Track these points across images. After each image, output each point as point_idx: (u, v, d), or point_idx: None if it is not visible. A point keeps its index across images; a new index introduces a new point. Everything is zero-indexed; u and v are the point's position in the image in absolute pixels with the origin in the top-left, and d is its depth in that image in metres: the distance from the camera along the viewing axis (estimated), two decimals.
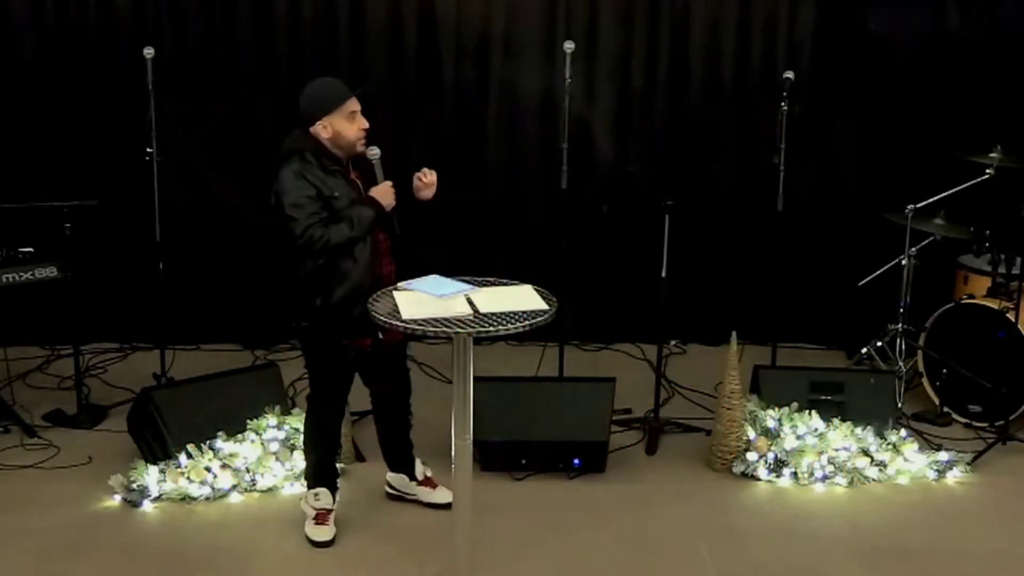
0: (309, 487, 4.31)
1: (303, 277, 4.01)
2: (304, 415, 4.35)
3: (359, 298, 3.92)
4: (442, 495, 4.43)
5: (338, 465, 4.72)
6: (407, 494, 4.52)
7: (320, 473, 4.29)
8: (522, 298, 3.70)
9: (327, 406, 4.23)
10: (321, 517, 4.23)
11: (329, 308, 4.00)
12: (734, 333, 4.86)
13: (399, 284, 3.84)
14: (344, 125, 4.02)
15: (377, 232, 4.06)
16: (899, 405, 5.37)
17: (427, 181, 4.17)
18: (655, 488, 4.73)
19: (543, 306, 3.64)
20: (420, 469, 4.54)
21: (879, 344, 5.83)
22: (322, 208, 3.94)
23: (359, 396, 5.20)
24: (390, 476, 4.55)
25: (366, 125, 4.07)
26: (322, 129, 4.02)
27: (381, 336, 4.07)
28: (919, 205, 5.53)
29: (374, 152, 4.09)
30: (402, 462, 4.51)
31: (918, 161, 5.99)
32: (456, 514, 3.76)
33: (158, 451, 4.63)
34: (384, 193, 4.05)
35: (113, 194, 5.81)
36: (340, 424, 4.35)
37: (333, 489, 4.31)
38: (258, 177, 6.12)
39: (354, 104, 4.05)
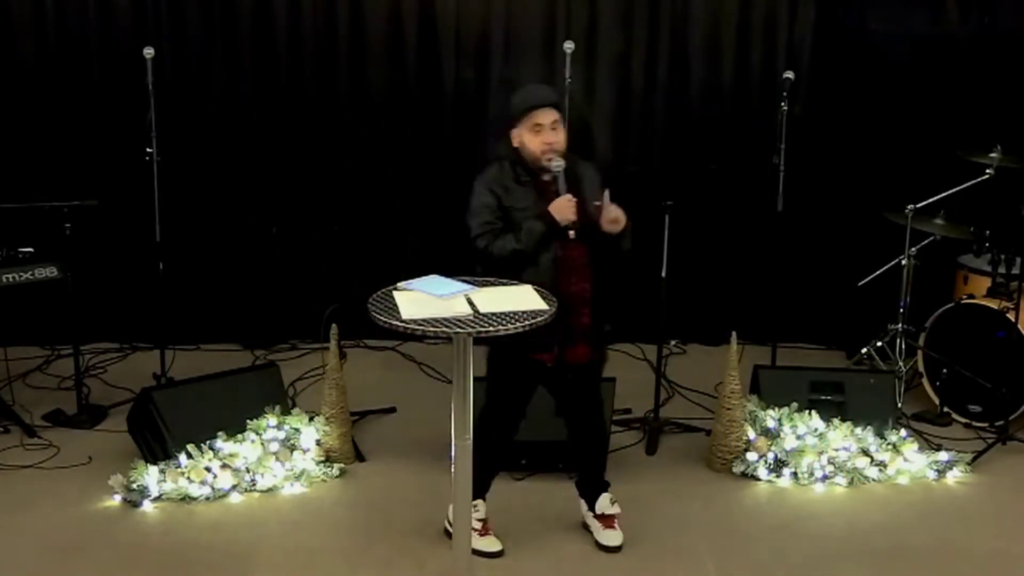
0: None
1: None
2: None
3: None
4: (610, 537, 4.23)
5: (338, 466, 4.72)
6: (583, 522, 4.36)
7: (479, 483, 4.09)
8: (522, 298, 3.69)
9: (496, 419, 4.13)
10: (484, 528, 4.17)
11: None
12: (734, 333, 4.86)
13: (399, 284, 3.83)
14: (527, 137, 3.97)
15: (571, 248, 3.94)
16: (899, 405, 5.37)
17: (611, 217, 3.93)
18: (655, 488, 4.73)
19: (543, 306, 3.63)
20: (603, 503, 4.29)
21: (879, 344, 5.83)
22: (500, 219, 3.94)
23: (361, 395, 5.22)
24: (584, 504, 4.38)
25: (552, 139, 3.95)
26: (514, 138, 4.01)
27: (560, 353, 3.99)
28: (919, 205, 5.53)
29: (558, 164, 3.95)
30: (585, 487, 4.36)
31: (918, 161, 5.98)
32: (456, 514, 3.76)
33: (158, 451, 4.63)
34: (560, 207, 3.91)
35: (113, 194, 5.82)
36: (506, 440, 4.22)
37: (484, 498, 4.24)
38: (258, 177, 6.17)
39: (541, 116, 3.95)
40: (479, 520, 4.17)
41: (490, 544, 4.18)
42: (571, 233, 3.91)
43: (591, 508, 4.32)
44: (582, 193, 4.00)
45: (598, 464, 4.39)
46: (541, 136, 3.96)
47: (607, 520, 4.27)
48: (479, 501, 4.19)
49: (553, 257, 3.96)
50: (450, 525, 4.21)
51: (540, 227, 3.92)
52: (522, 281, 3.83)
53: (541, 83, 6.03)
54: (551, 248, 3.95)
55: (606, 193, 3.96)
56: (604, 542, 4.23)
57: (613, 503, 4.28)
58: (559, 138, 3.98)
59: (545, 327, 3.57)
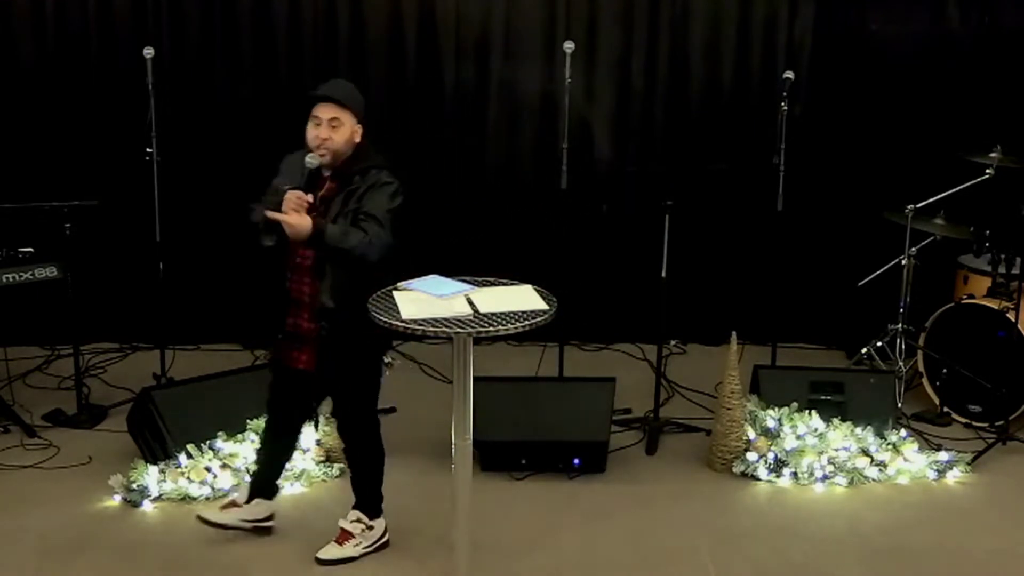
0: (372, 514, 4.17)
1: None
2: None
3: (279, 308, 3.96)
4: (325, 549, 4.14)
5: (338, 466, 4.71)
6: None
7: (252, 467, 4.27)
8: (522, 298, 3.70)
9: (266, 409, 4.22)
10: (226, 505, 4.24)
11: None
12: (734, 333, 4.86)
13: (399, 284, 3.83)
14: (308, 127, 3.91)
15: (299, 248, 3.87)
16: (899, 405, 5.37)
17: (273, 215, 3.79)
18: (655, 488, 4.73)
19: (543, 306, 3.64)
20: (349, 516, 4.20)
21: (879, 344, 5.83)
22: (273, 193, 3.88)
23: None
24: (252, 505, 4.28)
25: (324, 136, 3.85)
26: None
27: (277, 352, 4.03)
28: (919, 205, 5.53)
29: (310, 161, 3.88)
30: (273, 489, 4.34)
31: (918, 161, 5.98)
32: (456, 514, 3.76)
33: (158, 451, 4.63)
34: (285, 199, 3.78)
35: (113, 194, 5.81)
36: (273, 433, 4.22)
37: (256, 491, 4.27)
38: (258, 177, 6.16)
39: (319, 110, 3.87)
40: (374, 541, 4.18)
41: (210, 513, 4.21)
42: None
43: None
44: (340, 197, 3.87)
45: (357, 476, 4.19)
46: (316, 130, 3.89)
47: (341, 534, 4.16)
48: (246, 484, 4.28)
49: (289, 249, 3.92)
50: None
51: (263, 211, 3.81)
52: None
53: (538, 83, 6.14)
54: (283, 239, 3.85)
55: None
56: (319, 552, 4.12)
57: (356, 521, 4.16)
58: (334, 136, 3.86)
59: (281, 318, 3.83)
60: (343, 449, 4.26)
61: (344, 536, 4.15)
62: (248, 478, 4.37)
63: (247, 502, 4.26)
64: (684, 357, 6.25)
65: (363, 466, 4.19)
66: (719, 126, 6.17)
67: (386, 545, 4.21)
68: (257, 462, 4.33)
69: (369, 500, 4.20)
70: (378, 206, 3.84)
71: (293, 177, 3.90)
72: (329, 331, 3.88)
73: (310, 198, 3.81)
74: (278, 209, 3.76)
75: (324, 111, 3.87)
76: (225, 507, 4.26)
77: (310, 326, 3.92)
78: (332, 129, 3.86)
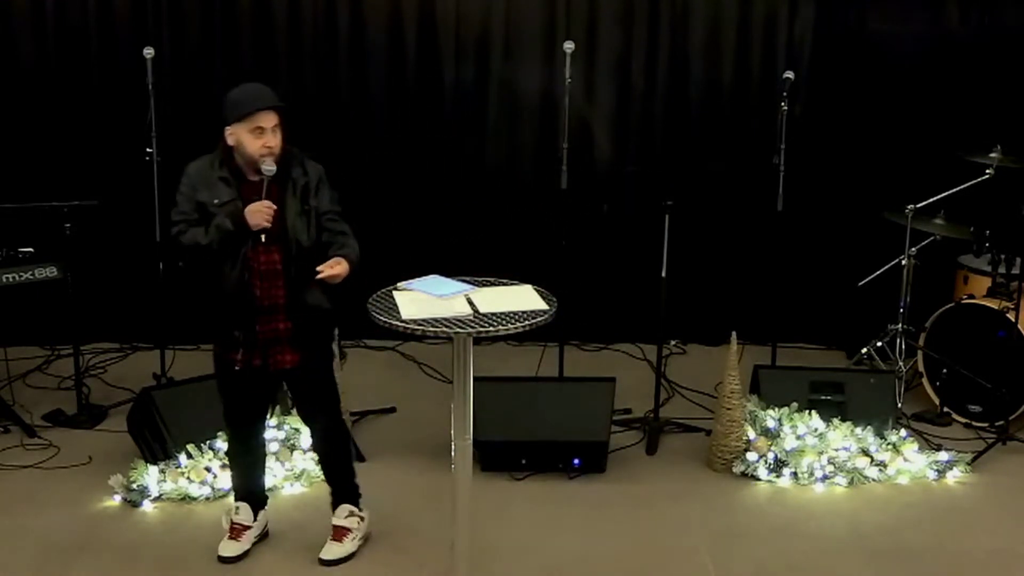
0: (359, 503, 4.23)
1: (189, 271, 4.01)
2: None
3: (226, 312, 3.90)
4: (329, 549, 4.16)
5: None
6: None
7: (236, 487, 4.24)
8: (522, 298, 3.70)
9: (225, 417, 4.15)
10: (235, 532, 4.17)
11: (208, 313, 3.97)
12: (734, 333, 4.86)
13: (399, 284, 3.83)
14: (247, 139, 3.84)
15: (264, 253, 3.85)
16: (899, 405, 5.37)
17: (328, 275, 3.83)
18: (655, 488, 4.73)
19: (543, 306, 3.63)
20: (339, 513, 4.23)
21: (879, 344, 5.83)
22: (196, 210, 3.86)
23: (361, 395, 5.22)
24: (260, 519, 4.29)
25: (272, 143, 3.83)
26: (228, 136, 3.89)
27: (253, 359, 3.92)
28: (919, 205, 5.53)
29: (268, 168, 3.84)
30: (332, 491, 4.26)
31: (918, 161, 5.98)
32: (456, 514, 3.76)
33: (158, 451, 4.63)
34: (254, 212, 3.79)
35: (113, 194, 5.82)
36: (251, 442, 4.20)
37: (254, 505, 4.23)
38: None
39: (263, 119, 3.82)
40: (236, 523, 4.17)
41: (229, 548, 4.14)
42: (262, 237, 3.82)
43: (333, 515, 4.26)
44: (291, 197, 3.89)
45: (338, 470, 4.24)
46: (262, 139, 3.82)
47: (337, 531, 4.18)
48: (242, 504, 4.21)
49: (245, 260, 3.86)
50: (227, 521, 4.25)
51: (228, 225, 3.80)
52: (218, 278, 3.86)
53: (538, 83, 6.15)
54: (242, 250, 3.84)
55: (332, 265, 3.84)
56: (321, 554, 4.13)
57: (350, 516, 4.19)
58: (277, 141, 3.87)
59: (233, 329, 3.81)
60: (319, 446, 4.25)
61: (342, 533, 4.16)
62: (235, 501, 4.25)
63: (255, 520, 4.23)
64: (684, 357, 6.25)
65: (343, 456, 4.25)
66: (719, 126, 6.17)
67: (369, 535, 4.24)
68: (240, 477, 4.24)
69: (353, 490, 4.24)
70: (332, 200, 3.98)
71: (216, 188, 3.87)
72: (313, 325, 3.95)
73: (274, 206, 3.82)
74: (238, 220, 3.79)
75: (268, 120, 3.83)
76: (235, 535, 4.17)
77: (287, 326, 3.92)
78: (274, 135, 3.86)
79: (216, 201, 3.85)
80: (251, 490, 4.25)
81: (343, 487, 4.23)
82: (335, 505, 4.23)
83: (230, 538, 4.17)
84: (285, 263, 3.88)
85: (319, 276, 3.80)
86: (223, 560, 4.11)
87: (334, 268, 3.80)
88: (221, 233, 3.81)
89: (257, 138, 3.83)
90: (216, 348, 4.02)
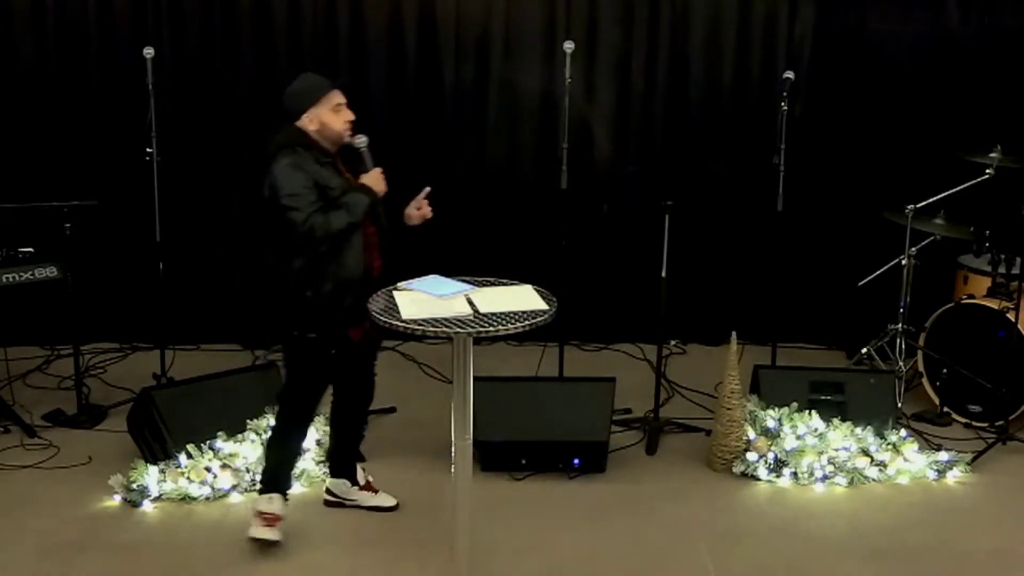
0: (263, 491, 4.22)
1: (294, 272, 3.97)
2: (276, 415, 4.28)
3: (350, 289, 3.95)
4: (385, 499, 4.46)
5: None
6: (348, 500, 4.47)
7: (280, 477, 4.25)
8: (522, 298, 3.70)
9: (303, 408, 4.18)
10: (269, 521, 4.16)
11: (320, 300, 3.96)
12: (734, 333, 4.86)
13: (399, 284, 3.84)
14: (330, 117, 4.03)
15: (367, 224, 4.05)
16: (899, 405, 5.37)
17: (422, 213, 4.21)
18: (655, 488, 4.73)
19: (543, 306, 3.64)
20: (361, 474, 4.52)
21: (879, 344, 5.83)
22: (320, 198, 3.93)
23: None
24: (331, 483, 4.50)
25: (351, 117, 4.07)
26: (308, 122, 4.03)
27: (372, 330, 4.02)
28: (919, 205, 5.53)
29: (362, 140, 4.09)
30: (348, 467, 4.48)
31: (918, 161, 5.99)
32: (456, 514, 3.76)
33: (158, 451, 4.63)
34: (375, 180, 4.05)
35: (113, 194, 5.82)
36: (308, 430, 4.33)
37: (285, 497, 4.25)
38: (258, 177, 6.16)
39: (338, 96, 4.06)
40: (267, 513, 4.16)
41: (267, 533, 4.17)
42: (378, 208, 4.06)
43: (354, 483, 4.46)
44: (368, 166, 4.11)
45: (359, 440, 4.54)
46: (342, 115, 4.06)
47: (371, 486, 4.49)
48: (276, 495, 4.20)
49: (362, 233, 4.03)
50: (329, 495, 4.48)
51: (364, 199, 3.98)
52: (336, 258, 3.95)
53: (538, 83, 6.14)
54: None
55: (426, 191, 4.19)
56: (384, 504, 4.44)
57: (365, 468, 4.54)
58: (352, 116, 4.09)
59: (353, 306, 3.86)
60: (355, 423, 4.42)
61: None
62: (271, 493, 4.22)
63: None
64: (684, 357, 6.25)
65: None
66: (719, 126, 6.17)
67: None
68: (291, 468, 4.31)
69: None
70: None
71: (324, 173, 3.97)
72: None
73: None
74: (369, 193, 4.01)
75: (342, 97, 4.08)
76: (271, 523, 4.17)
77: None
78: (349, 111, 4.09)
79: (331, 184, 3.96)
80: (289, 480, 4.30)
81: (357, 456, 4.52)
82: (354, 468, 4.47)
83: (265, 525, 4.15)
84: (379, 233, 4.10)
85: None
86: (262, 542, 4.13)
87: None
88: (364, 207, 3.96)
89: (337, 114, 4.04)
90: (319, 333, 3.99)
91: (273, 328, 4.31)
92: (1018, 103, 5.93)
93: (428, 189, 4.20)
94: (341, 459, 4.48)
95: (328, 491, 4.50)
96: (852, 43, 6.08)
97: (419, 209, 4.21)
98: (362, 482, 4.49)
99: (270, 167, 3.96)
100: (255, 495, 4.28)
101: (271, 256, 4.03)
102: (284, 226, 3.91)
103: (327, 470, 4.57)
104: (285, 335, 4.09)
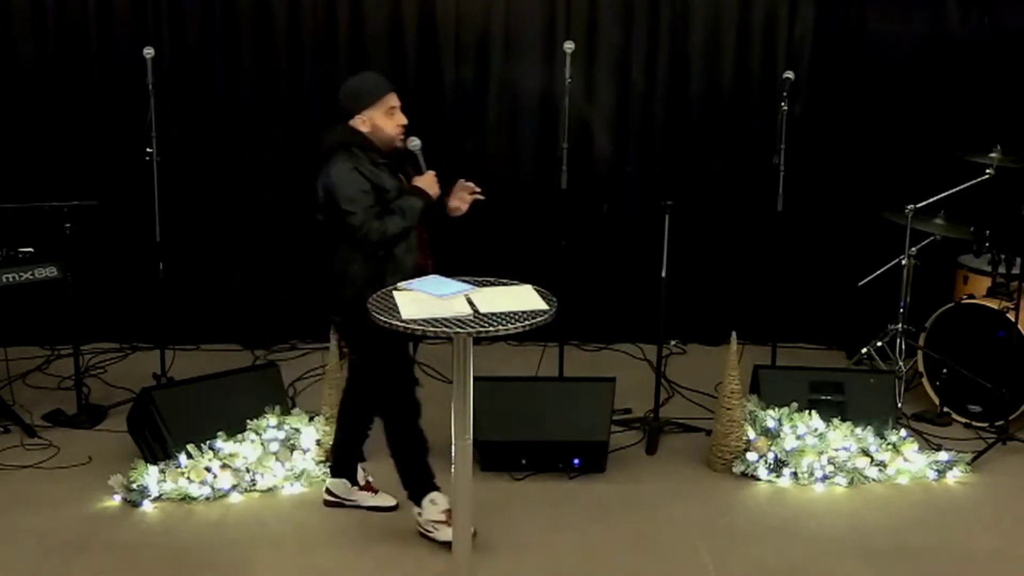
0: (418, 497, 4.20)
1: (353, 274, 3.97)
2: (384, 420, 4.23)
3: None
4: (385, 499, 4.45)
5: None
6: (348, 500, 4.45)
7: (425, 475, 4.20)
8: (522, 298, 3.70)
9: (405, 399, 4.15)
10: (449, 516, 4.10)
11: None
12: (734, 333, 4.86)
13: (399, 284, 3.84)
14: (383, 120, 4.05)
15: (420, 224, 4.06)
16: (899, 405, 5.37)
17: (469, 198, 4.24)
18: (655, 488, 4.73)
19: (543, 306, 3.63)
20: (361, 474, 4.51)
21: (879, 344, 5.83)
22: (376, 202, 3.95)
23: None
24: (331, 483, 4.49)
25: (404, 121, 4.09)
26: (361, 123, 4.04)
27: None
28: (919, 205, 5.53)
29: (415, 143, 4.10)
30: (349, 467, 4.47)
31: (918, 161, 5.99)
32: (456, 514, 3.76)
33: (158, 451, 4.63)
34: (429, 183, 4.08)
35: (113, 194, 5.82)
36: (419, 420, 4.25)
37: (438, 489, 4.21)
38: (258, 177, 6.17)
39: (393, 99, 4.08)
40: (444, 510, 4.15)
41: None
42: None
43: (354, 483, 4.46)
44: (421, 169, 4.13)
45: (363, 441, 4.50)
46: (395, 118, 4.07)
47: (371, 487, 4.48)
48: (436, 493, 4.18)
49: (415, 232, 4.06)
50: (329, 495, 4.45)
51: (419, 203, 4.01)
52: (395, 259, 3.97)
53: (538, 83, 6.14)
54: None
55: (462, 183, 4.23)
56: (383, 504, 4.43)
57: (365, 469, 4.53)
58: (405, 121, 4.10)
59: None
60: (369, 410, 4.35)
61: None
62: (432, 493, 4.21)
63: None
64: (684, 357, 6.25)
65: None
66: (719, 126, 6.17)
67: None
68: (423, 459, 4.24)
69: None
70: None
71: (381, 176, 3.99)
72: None
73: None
74: (423, 196, 4.05)
75: (396, 100, 4.10)
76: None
77: None
78: (402, 114, 4.12)
79: (387, 187, 3.98)
80: (432, 473, 4.23)
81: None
82: (355, 468, 4.48)
83: (448, 524, 4.09)
84: (431, 232, 4.13)
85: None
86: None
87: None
88: (418, 211, 3.99)
89: (390, 117, 4.07)
90: (393, 337, 3.85)
91: (346, 332, 4.28)
92: (1018, 103, 5.93)
93: (461, 181, 4.26)
94: (344, 457, 4.46)
95: (328, 491, 4.49)
96: (852, 43, 6.08)
97: (467, 196, 4.23)
98: (362, 482, 4.49)
99: (325, 168, 3.96)
100: (417, 510, 4.22)
101: (330, 256, 4.03)
102: (342, 229, 3.92)
103: (327, 470, 4.57)
104: (357, 338, 4.09)
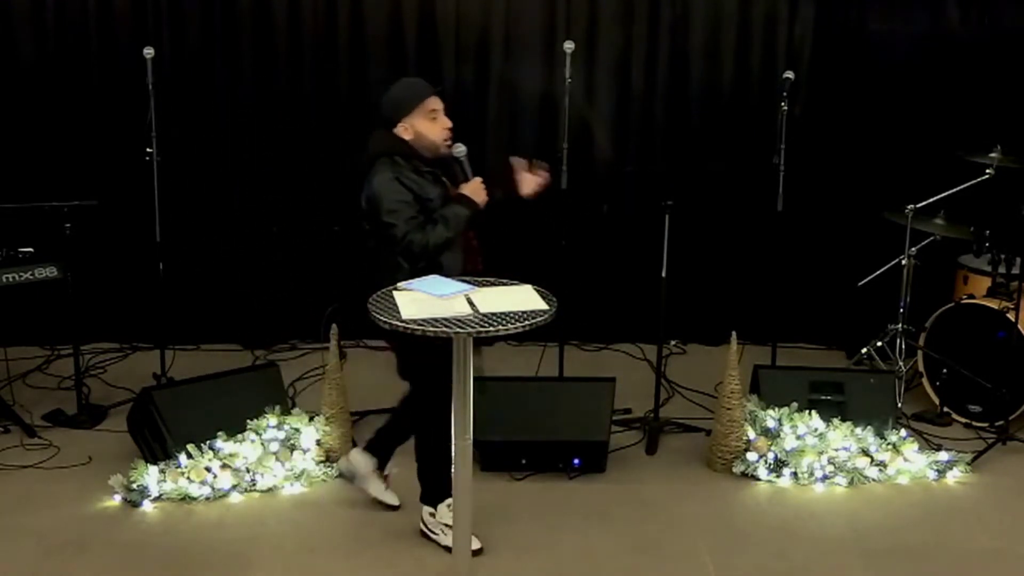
0: (435, 501, 4.21)
1: (400, 281, 3.88)
2: (416, 426, 4.21)
3: None
4: (391, 497, 4.43)
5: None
6: (359, 476, 4.39)
7: (449, 483, 4.05)
8: (522, 298, 3.69)
9: (444, 407, 4.00)
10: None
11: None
12: (734, 333, 4.86)
13: (399, 284, 3.84)
14: (426, 125, 3.99)
15: (467, 230, 4.01)
16: (899, 405, 5.37)
17: (535, 178, 4.15)
18: (655, 488, 4.73)
19: (543, 306, 3.63)
20: (389, 465, 4.48)
21: (879, 344, 5.83)
22: (419, 211, 3.91)
23: (361, 395, 5.22)
24: (358, 453, 4.41)
25: (448, 124, 4.02)
26: (404, 131, 3.98)
27: None
28: (919, 205, 5.53)
29: (460, 149, 4.01)
30: (387, 452, 4.42)
31: (918, 161, 5.99)
32: (456, 514, 3.76)
33: (158, 451, 4.63)
34: (476, 190, 4.00)
35: (113, 194, 5.82)
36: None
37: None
38: (258, 177, 6.17)
39: (435, 103, 4.00)
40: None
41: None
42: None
43: (381, 468, 4.43)
44: (468, 176, 4.05)
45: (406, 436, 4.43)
46: (439, 122, 4.00)
47: (388, 480, 4.47)
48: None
49: (463, 237, 4.01)
50: (425, 527, 4.27)
51: (465, 211, 3.95)
52: (443, 267, 3.91)
53: (538, 83, 6.13)
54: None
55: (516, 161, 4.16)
56: (390, 501, 4.43)
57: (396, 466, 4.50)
58: (450, 124, 4.02)
59: None
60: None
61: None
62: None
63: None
64: (684, 357, 6.25)
65: None
66: (719, 126, 6.17)
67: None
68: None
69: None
70: None
71: (425, 185, 3.94)
72: None
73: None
74: (469, 203, 3.97)
75: (439, 103, 4.02)
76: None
77: None
78: (446, 118, 4.04)
79: (431, 196, 3.93)
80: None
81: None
82: (389, 456, 4.45)
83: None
84: (479, 237, 4.07)
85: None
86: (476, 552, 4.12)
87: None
88: (463, 220, 3.94)
89: (433, 122, 3.99)
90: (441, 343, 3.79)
91: (393, 341, 4.17)
92: (1018, 103, 5.93)
93: (514, 161, 4.20)
94: (386, 442, 4.39)
95: (349, 458, 4.42)
96: (852, 43, 6.08)
97: (527, 180, 4.16)
98: (386, 471, 4.45)
99: (368, 178, 3.93)
100: (430, 511, 4.24)
101: (375, 263, 3.99)
102: (385, 239, 3.89)
103: (327, 470, 4.56)
104: (402, 345, 4.01)
